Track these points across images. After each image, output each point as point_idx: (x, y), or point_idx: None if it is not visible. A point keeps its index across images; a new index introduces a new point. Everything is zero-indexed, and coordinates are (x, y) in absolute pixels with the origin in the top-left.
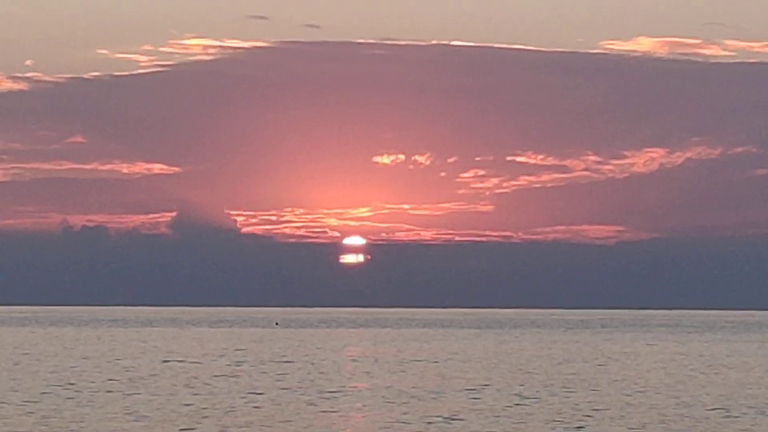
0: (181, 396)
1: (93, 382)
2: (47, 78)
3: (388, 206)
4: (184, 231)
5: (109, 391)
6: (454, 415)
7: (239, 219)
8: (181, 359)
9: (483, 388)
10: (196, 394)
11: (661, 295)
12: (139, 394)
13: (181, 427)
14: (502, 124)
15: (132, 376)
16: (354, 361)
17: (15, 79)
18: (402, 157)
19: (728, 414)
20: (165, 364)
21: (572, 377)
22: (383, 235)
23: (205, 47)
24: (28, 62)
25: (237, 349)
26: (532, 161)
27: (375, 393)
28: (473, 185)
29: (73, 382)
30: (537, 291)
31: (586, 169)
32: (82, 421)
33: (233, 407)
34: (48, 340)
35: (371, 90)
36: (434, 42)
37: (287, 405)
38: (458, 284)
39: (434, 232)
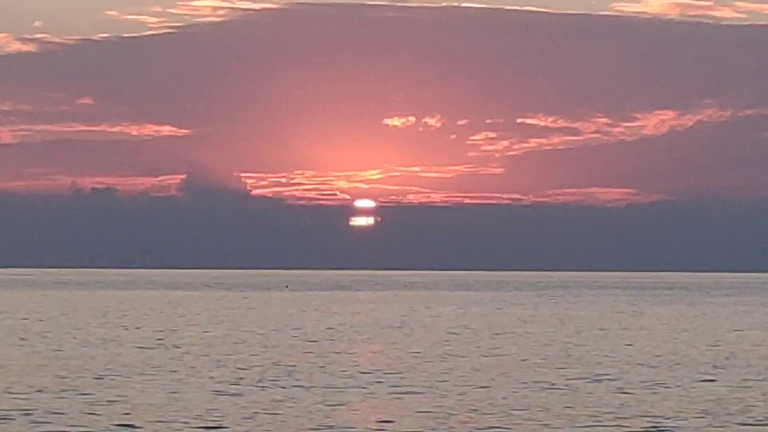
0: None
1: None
2: (56, 39)
3: (398, 169)
4: (193, 193)
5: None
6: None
7: (249, 181)
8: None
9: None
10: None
11: (672, 257)
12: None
13: None
14: (512, 86)
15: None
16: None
17: (24, 40)
18: (412, 119)
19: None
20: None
21: (574, 342)
22: (393, 197)
23: (215, 8)
24: (36, 23)
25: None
26: (543, 123)
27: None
28: (483, 148)
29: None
30: (547, 253)
31: (596, 132)
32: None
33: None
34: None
35: (382, 52)
36: (445, 4)
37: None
38: (468, 246)
39: (444, 195)
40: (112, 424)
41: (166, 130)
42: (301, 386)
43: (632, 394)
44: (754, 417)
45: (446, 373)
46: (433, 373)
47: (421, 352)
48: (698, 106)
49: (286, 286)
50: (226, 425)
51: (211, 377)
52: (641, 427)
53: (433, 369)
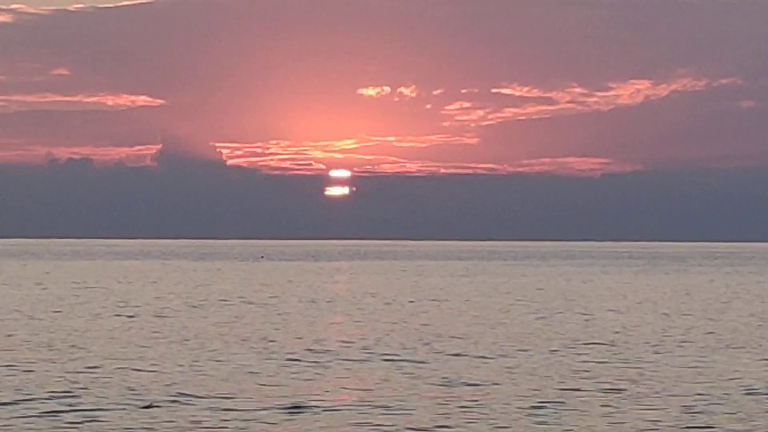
0: None
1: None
2: (31, 10)
3: (373, 138)
4: (169, 163)
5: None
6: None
7: (225, 151)
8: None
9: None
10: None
11: (647, 226)
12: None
13: None
14: (487, 55)
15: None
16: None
17: None
18: (387, 89)
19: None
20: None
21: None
22: (368, 167)
23: None
24: None
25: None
26: (518, 93)
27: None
28: (458, 117)
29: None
30: (522, 223)
31: (571, 102)
32: None
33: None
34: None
35: (356, 22)
36: None
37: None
38: (443, 216)
39: (419, 165)
40: (68, 389)
41: (142, 100)
42: (272, 356)
43: (579, 365)
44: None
45: (414, 343)
46: (403, 343)
47: (393, 322)
48: (673, 76)
49: (262, 256)
50: (192, 394)
51: (177, 344)
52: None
53: (403, 339)
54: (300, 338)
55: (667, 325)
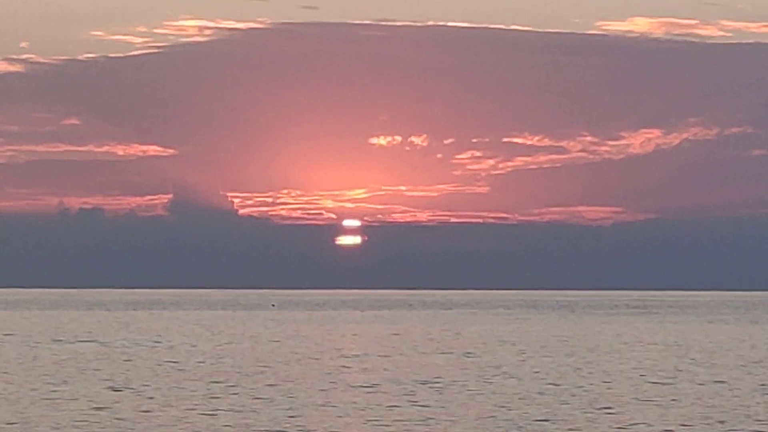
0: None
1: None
2: (42, 60)
3: (384, 188)
4: (180, 213)
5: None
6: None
7: (236, 201)
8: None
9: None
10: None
11: (658, 276)
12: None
13: None
14: (498, 105)
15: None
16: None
17: (10, 60)
18: (398, 138)
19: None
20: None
21: (566, 364)
22: (379, 216)
23: (201, 28)
24: (23, 44)
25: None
26: (529, 142)
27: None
28: (469, 166)
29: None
30: (533, 273)
31: (582, 150)
32: None
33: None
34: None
35: (367, 71)
36: (430, 23)
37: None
38: (454, 266)
39: (430, 214)
40: None
41: (152, 149)
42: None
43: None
44: None
45: (414, 396)
46: (400, 397)
47: (392, 372)
48: (684, 125)
49: (273, 305)
50: None
51: (184, 395)
52: None
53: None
54: (308, 383)
55: None
